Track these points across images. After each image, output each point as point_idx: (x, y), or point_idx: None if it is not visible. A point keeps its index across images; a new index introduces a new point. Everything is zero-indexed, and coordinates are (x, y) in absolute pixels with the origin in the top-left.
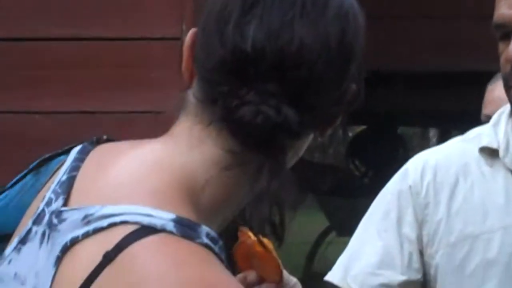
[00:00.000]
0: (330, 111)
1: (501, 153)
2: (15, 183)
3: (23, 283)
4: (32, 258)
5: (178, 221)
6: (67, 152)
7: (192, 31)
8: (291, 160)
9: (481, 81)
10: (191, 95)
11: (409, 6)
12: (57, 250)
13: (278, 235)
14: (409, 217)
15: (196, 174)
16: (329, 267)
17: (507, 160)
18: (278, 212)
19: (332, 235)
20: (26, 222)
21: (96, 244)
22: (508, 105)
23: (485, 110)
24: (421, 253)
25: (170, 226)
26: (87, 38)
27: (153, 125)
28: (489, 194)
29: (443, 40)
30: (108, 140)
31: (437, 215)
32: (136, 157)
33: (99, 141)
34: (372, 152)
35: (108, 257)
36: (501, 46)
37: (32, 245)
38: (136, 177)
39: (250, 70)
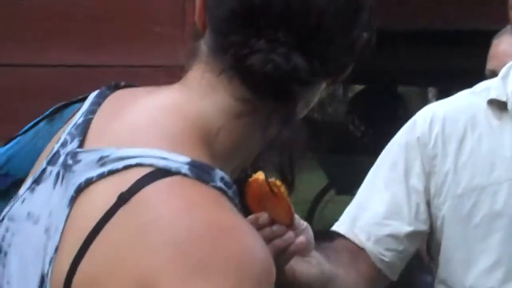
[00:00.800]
0: (341, 59)
1: (509, 106)
2: (28, 130)
3: (35, 222)
4: (46, 198)
5: (193, 164)
6: (82, 100)
7: None
8: (303, 109)
9: (482, 40)
10: (203, 44)
11: None
12: (71, 191)
13: (288, 182)
14: (417, 168)
15: (209, 121)
16: (327, 226)
17: None
18: (288, 160)
19: (331, 193)
20: (41, 163)
21: (111, 185)
22: None
23: (489, 65)
24: (428, 204)
25: (185, 169)
26: None
27: (157, 79)
28: (497, 147)
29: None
30: (126, 86)
31: (445, 167)
32: (152, 102)
33: (117, 87)
34: (372, 112)
35: (123, 198)
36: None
37: (46, 185)
38: (152, 122)
39: (260, 19)
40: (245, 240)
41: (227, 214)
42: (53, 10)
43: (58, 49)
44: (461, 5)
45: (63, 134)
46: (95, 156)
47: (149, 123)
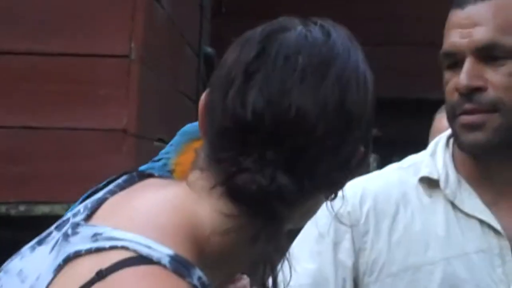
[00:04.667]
0: (333, 175)
1: (441, 184)
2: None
3: (23, 281)
4: (40, 260)
5: (174, 258)
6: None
7: (206, 91)
8: (301, 220)
9: (423, 108)
10: (202, 151)
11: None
12: (60, 259)
13: None
14: (346, 243)
15: (203, 224)
16: None
17: (447, 191)
18: (271, 272)
19: None
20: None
21: (94, 262)
22: (443, 135)
23: (432, 139)
24: (355, 281)
25: (165, 260)
26: (33, 53)
27: (98, 142)
28: (430, 225)
29: (382, 67)
30: (150, 176)
31: (378, 244)
32: (158, 195)
33: (149, 176)
34: None
35: (100, 275)
36: (447, 74)
37: (45, 248)
38: (151, 213)
39: (250, 137)
40: None
41: None
42: None
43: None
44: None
45: (81, 204)
46: (91, 231)
47: (148, 213)
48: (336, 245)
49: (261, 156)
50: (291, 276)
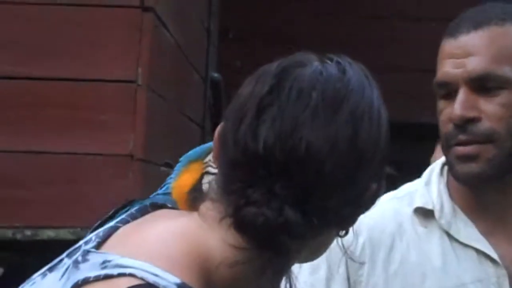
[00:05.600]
0: (343, 211)
1: (436, 215)
2: None
3: None
4: (51, 286)
5: (181, 286)
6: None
7: (221, 123)
8: (313, 255)
9: (427, 133)
10: (214, 182)
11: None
12: (69, 285)
13: None
14: (341, 275)
15: (212, 253)
16: None
17: (443, 221)
18: None
19: None
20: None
21: None
22: (438, 163)
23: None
24: None
25: None
26: (38, 77)
27: (104, 167)
28: (426, 256)
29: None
30: (162, 206)
31: (374, 277)
32: (169, 225)
33: (161, 207)
34: None
35: None
36: (441, 103)
37: (56, 275)
38: (160, 241)
39: (259, 170)
40: None
41: None
42: None
43: (1, 134)
44: (397, 98)
45: (93, 233)
46: (100, 259)
47: (158, 242)
48: (330, 277)
49: (269, 189)
50: None
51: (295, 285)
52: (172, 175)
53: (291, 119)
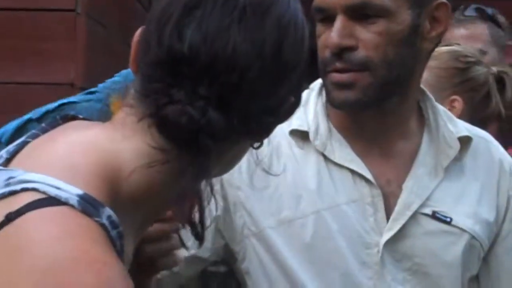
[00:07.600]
0: (263, 119)
1: (311, 136)
2: None
3: None
4: None
5: (83, 197)
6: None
7: (141, 28)
8: (227, 166)
9: None
10: (132, 87)
11: None
12: None
13: (198, 235)
14: (220, 202)
15: (123, 162)
16: None
17: (317, 143)
18: (198, 212)
19: None
20: None
21: (6, 206)
22: (317, 82)
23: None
24: (221, 235)
25: (74, 200)
26: None
27: (46, 96)
28: (301, 178)
29: None
30: (74, 118)
31: (250, 199)
32: (78, 136)
33: (72, 118)
34: None
35: (9, 218)
36: (320, 28)
37: None
38: (65, 153)
39: (184, 71)
40: (106, 275)
41: (100, 249)
42: None
43: None
44: None
45: (4, 149)
46: (6, 175)
47: (62, 154)
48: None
49: (193, 90)
50: (217, 211)
51: (214, 191)
52: (109, 86)
53: (218, 21)
